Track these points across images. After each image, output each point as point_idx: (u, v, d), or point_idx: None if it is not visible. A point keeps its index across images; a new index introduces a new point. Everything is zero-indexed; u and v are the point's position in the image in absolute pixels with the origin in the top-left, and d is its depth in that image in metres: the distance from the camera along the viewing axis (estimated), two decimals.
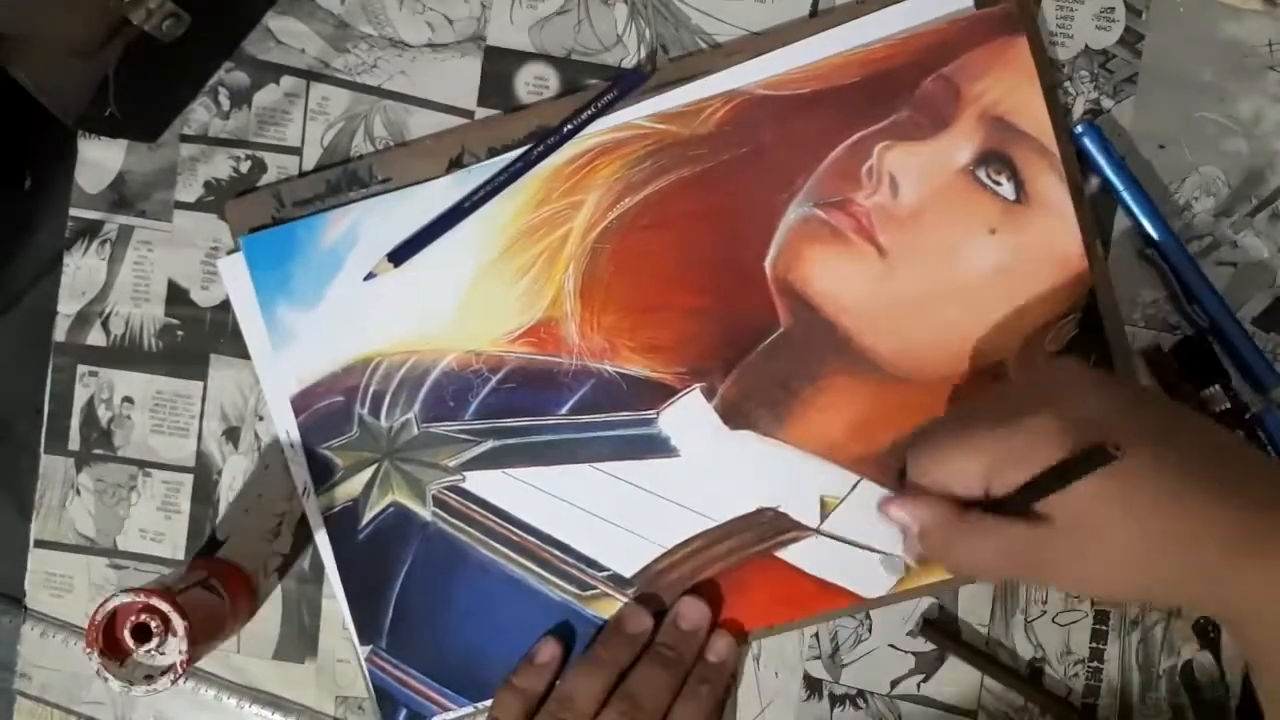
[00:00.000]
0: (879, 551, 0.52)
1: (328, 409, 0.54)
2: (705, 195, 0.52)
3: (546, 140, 0.52)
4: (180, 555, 0.55)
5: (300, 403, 0.54)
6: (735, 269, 0.52)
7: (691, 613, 0.52)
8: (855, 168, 0.51)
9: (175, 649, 0.48)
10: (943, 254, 0.51)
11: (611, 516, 0.53)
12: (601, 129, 0.52)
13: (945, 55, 0.51)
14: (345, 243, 0.53)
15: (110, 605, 0.48)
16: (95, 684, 0.56)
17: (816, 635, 0.53)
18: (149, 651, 0.48)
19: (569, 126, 0.52)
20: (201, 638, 0.49)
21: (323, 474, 0.54)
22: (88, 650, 0.47)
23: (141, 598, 0.47)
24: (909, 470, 0.46)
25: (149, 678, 0.48)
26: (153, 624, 0.47)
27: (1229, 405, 0.50)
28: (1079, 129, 0.51)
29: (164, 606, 0.47)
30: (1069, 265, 0.51)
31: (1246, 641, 0.43)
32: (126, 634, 0.48)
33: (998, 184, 0.51)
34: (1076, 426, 0.41)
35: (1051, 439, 0.41)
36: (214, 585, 0.52)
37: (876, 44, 0.51)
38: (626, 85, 0.52)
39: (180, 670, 0.48)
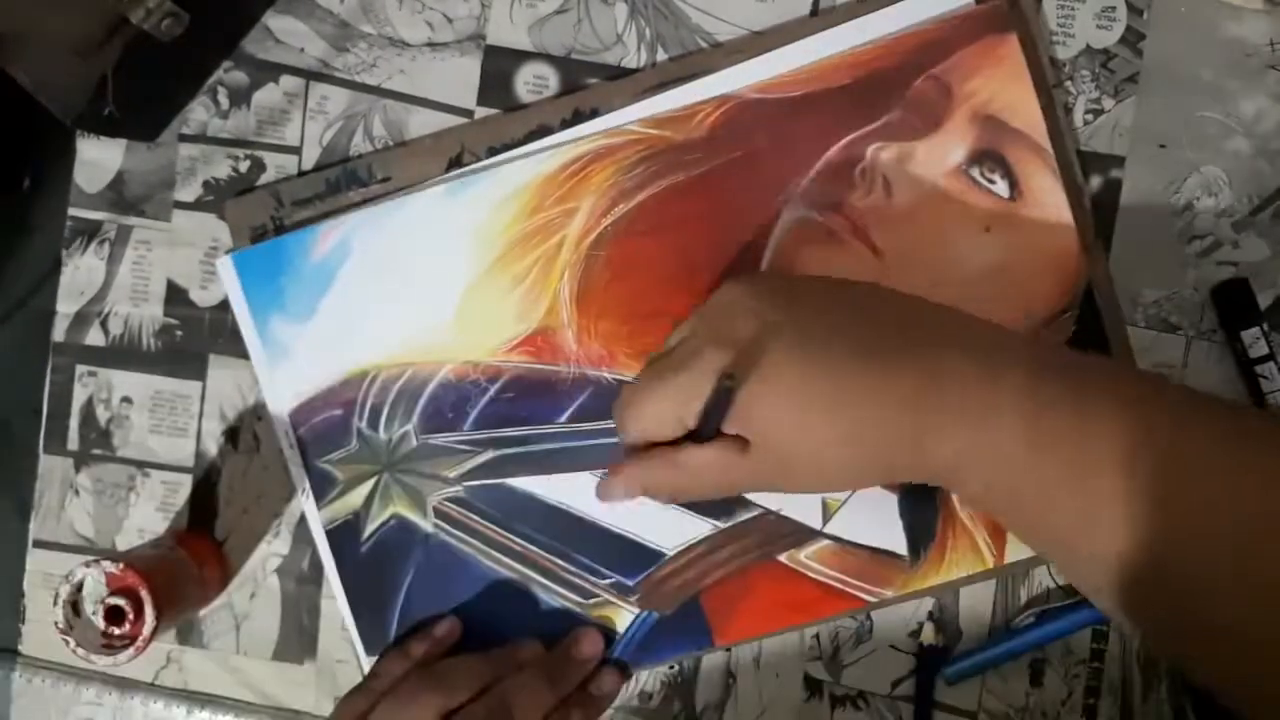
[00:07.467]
0: (884, 552, 0.52)
1: (326, 423, 0.54)
2: (699, 200, 0.52)
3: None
4: None
5: (298, 417, 0.54)
6: (731, 273, 0.52)
7: (587, 646, 0.52)
8: (848, 170, 0.51)
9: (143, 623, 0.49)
10: (938, 253, 0.51)
11: (613, 524, 0.52)
12: (593, 134, 0.52)
13: (936, 55, 0.51)
14: (336, 256, 0.53)
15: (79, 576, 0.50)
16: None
17: (817, 636, 0.53)
18: (120, 635, 0.50)
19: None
20: (168, 607, 0.50)
21: (322, 488, 0.54)
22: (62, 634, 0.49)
23: (117, 570, 0.49)
24: (620, 433, 0.47)
25: (107, 646, 0.50)
26: (124, 604, 0.49)
27: (1268, 350, 0.50)
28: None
29: (140, 589, 0.49)
30: (1065, 261, 0.50)
31: (967, 500, 0.42)
32: (99, 618, 0.49)
33: (991, 182, 0.51)
34: (726, 345, 0.42)
35: (709, 364, 0.42)
36: (182, 555, 0.53)
37: (868, 45, 0.51)
38: None
39: (144, 645, 0.49)
